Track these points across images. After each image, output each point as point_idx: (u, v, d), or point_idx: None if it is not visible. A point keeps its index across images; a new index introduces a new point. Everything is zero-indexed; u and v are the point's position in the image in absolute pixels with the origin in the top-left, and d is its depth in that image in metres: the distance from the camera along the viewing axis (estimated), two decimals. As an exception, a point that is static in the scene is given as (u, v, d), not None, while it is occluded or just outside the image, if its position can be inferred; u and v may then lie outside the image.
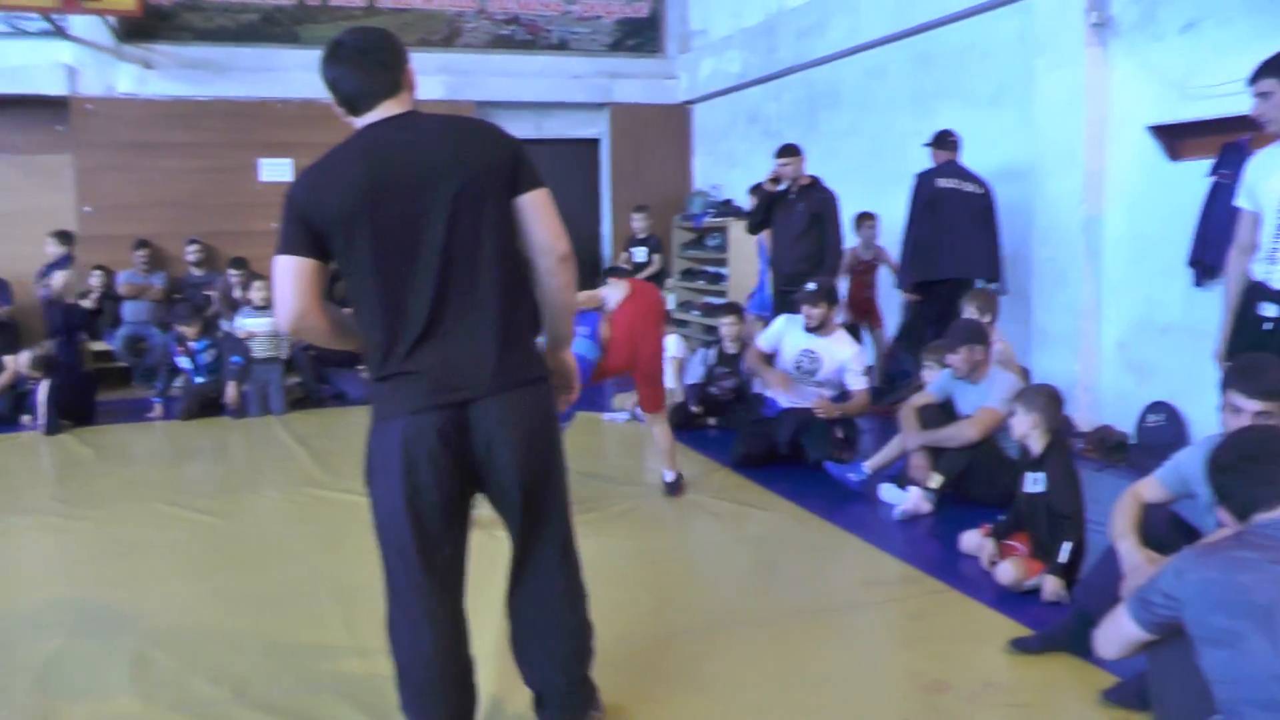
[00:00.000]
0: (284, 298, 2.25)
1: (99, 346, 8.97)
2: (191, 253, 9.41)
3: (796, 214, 6.83)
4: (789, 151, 6.86)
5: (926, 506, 4.71)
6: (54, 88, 9.23)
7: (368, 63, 2.31)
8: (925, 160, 6.53)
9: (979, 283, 6.32)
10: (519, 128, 10.31)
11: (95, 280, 9.02)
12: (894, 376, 7.36)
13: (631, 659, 3.18)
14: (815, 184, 6.86)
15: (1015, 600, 3.66)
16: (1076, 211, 6.06)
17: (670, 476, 5.18)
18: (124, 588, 3.97)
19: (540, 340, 2.53)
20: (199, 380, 7.66)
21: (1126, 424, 5.87)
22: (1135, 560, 2.83)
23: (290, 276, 2.24)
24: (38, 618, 3.67)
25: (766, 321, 6.57)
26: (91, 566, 4.29)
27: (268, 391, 7.63)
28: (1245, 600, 2.08)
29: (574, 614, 2.59)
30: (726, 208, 10.10)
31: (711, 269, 10.39)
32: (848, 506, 4.94)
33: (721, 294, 9.67)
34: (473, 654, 2.51)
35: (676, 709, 2.91)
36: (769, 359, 5.86)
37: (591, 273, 10.50)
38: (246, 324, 7.85)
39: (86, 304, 8.89)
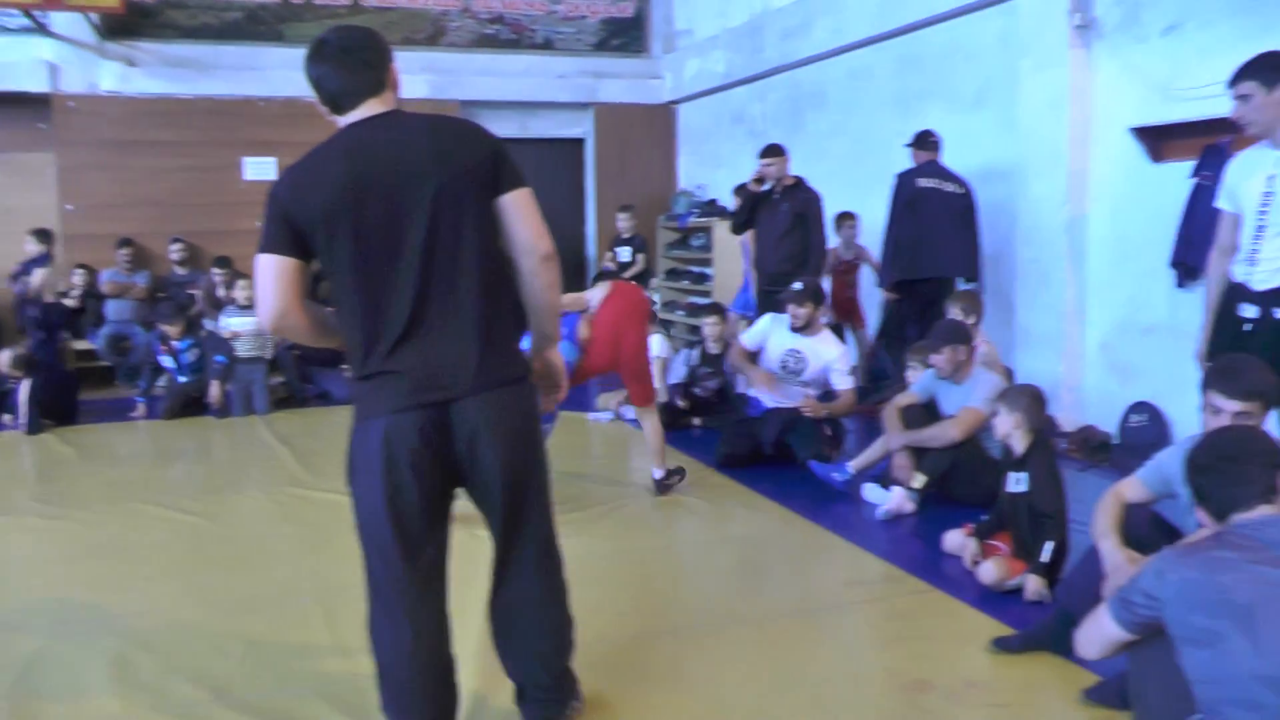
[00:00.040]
0: (265, 296, 2.26)
1: (82, 345, 8.90)
2: (175, 251, 9.36)
3: (780, 214, 6.84)
4: (773, 151, 6.87)
5: (910, 506, 4.72)
6: (36, 85, 9.15)
7: (351, 61, 2.31)
8: (908, 161, 6.56)
9: (960, 283, 6.35)
10: (504, 127, 10.30)
11: (78, 279, 8.95)
12: (876, 375, 7.39)
13: (614, 658, 3.18)
14: (799, 184, 6.87)
15: (997, 600, 3.67)
16: (1060, 212, 6.09)
17: (659, 474, 5.15)
18: (105, 588, 3.95)
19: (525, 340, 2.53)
20: (182, 380, 7.61)
21: (1109, 424, 5.90)
22: (1117, 560, 2.84)
23: (272, 275, 2.24)
24: (17, 618, 3.64)
25: (750, 321, 6.58)
26: (72, 567, 4.25)
27: (251, 391, 7.59)
28: (1225, 600, 2.09)
29: (556, 611, 2.60)
30: (711, 208, 10.10)
31: (696, 269, 10.39)
32: (831, 506, 4.95)
33: (706, 294, 9.65)
34: (454, 653, 2.51)
35: (659, 707, 2.91)
36: (753, 357, 5.87)
37: (576, 273, 10.50)
38: (231, 323, 7.80)
39: (69, 302, 8.81)
